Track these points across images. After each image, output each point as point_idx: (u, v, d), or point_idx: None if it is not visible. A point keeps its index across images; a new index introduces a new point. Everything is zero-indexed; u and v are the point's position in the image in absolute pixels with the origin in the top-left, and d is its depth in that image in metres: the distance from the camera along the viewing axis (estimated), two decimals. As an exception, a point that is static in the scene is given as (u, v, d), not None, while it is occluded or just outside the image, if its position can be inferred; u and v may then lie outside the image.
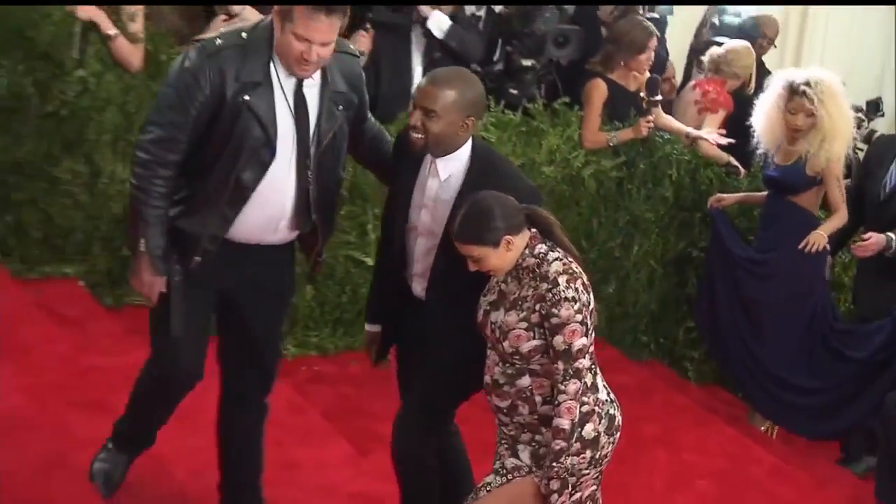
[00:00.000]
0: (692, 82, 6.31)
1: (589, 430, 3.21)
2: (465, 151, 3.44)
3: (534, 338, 3.19)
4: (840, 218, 5.26)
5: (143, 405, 3.70)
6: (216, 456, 3.88)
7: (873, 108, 6.74)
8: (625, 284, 5.94)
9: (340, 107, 3.49)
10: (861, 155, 5.86)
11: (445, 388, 3.53)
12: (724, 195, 5.62)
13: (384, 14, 5.58)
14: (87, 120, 4.95)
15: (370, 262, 5.30)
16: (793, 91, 5.14)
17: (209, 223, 3.43)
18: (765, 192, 5.42)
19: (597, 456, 3.26)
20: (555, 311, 3.14)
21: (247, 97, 3.35)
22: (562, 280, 3.15)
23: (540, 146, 5.63)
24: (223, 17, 5.25)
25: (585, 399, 3.19)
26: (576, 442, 3.19)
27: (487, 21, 6.25)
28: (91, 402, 4.11)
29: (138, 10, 5.06)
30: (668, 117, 5.93)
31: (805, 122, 5.13)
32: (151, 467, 3.83)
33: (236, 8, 5.18)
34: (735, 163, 5.89)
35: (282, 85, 3.39)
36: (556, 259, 3.21)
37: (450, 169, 3.44)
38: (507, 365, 3.26)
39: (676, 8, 6.89)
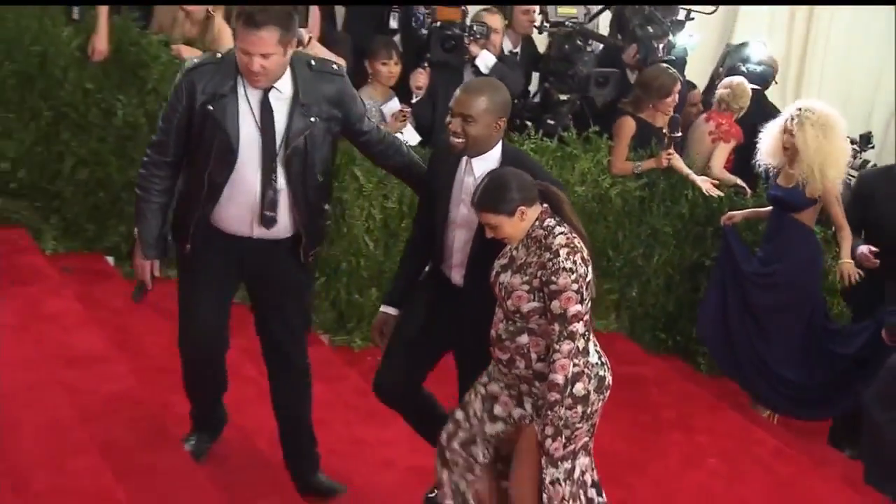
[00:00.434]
0: (704, 115, 6.32)
1: (579, 388, 3.18)
2: (496, 151, 3.47)
3: (533, 300, 3.19)
4: (847, 237, 5.27)
5: (189, 385, 3.75)
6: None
7: (865, 140, 6.69)
8: (646, 289, 5.94)
9: (313, 118, 3.45)
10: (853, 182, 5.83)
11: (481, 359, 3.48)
12: (735, 213, 5.62)
13: (439, 55, 5.64)
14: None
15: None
16: (788, 117, 5.18)
17: (194, 215, 3.50)
18: (769, 208, 5.42)
19: (588, 411, 3.23)
20: (554, 278, 3.14)
21: (211, 107, 3.38)
22: (563, 252, 3.15)
23: (573, 169, 5.66)
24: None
25: (577, 361, 3.16)
26: (568, 398, 3.16)
27: (523, 56, 6.30)
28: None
29: None
30: (678, 159, 5.90)
31: (788, 141, 5.14)
32: (237, 438, 3.90)
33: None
34: (742, 184, 5.90)
35: (248, 97, 3.40)
36: (561, 233, 3.21)
37: (484, 167, 3.43)
38: (510, 322, 3.26)
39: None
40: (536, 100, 6.21)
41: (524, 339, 3.24)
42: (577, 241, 3.21)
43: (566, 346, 3.14)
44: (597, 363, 3.27)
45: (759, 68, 6.81)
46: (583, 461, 3.33)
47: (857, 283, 5.26)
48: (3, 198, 4.98)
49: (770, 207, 5.40)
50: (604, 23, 6.75)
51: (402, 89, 5.77)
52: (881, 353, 4.98)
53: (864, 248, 5.24)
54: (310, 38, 5.25)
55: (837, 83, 8.76)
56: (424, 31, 5.92)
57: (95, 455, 3.41)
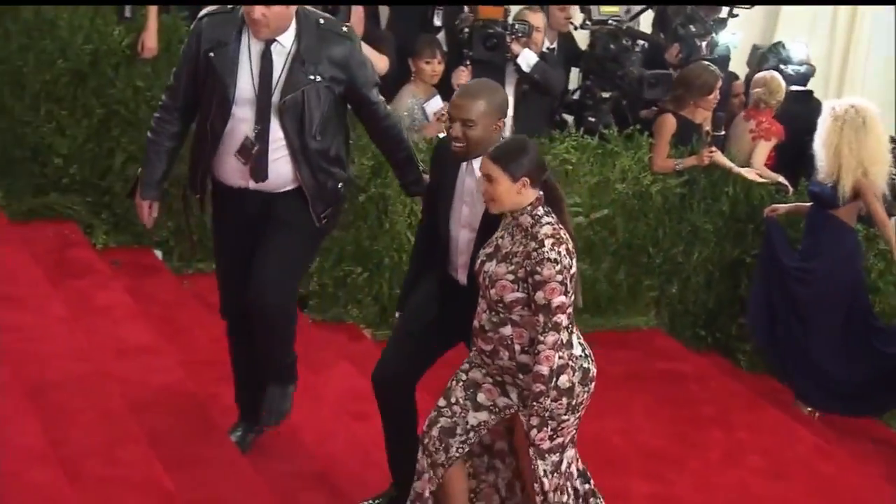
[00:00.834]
0: (743, 113, 6.26)
1: (564, 380, 3.11)
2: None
3: (517, 290, 3.12)
4: (891, 234, 5.20)
5: (232, 356, 3.75)
6: (341, 423, 3.94)
7: None
8: (686, 285, 5.90)
9: (312, 76, 3.40)
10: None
11: None
12: (778, 205, 5.57)
13: (481, 53, 5.63)
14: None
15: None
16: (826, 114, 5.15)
17: (201, 166, 3.51)
18: (810, 203, 5.37)
19: (573, 403, 3.16)
20: (538, 269, 3.07)
21: (212, 54, 3.38)
22: (548, 242, 3.08)
23: (614, 166, 5.64)
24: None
25: (561, 353, 3.09)
26: (553, 390, 3.10)
27: (560, 53, 6.26)
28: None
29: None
30: (720, 155, 5.85)
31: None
32: (282, 430, 3.89)
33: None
34: (784, 181, 5.84)
35: (249, 47, 3.38)
36: (548, 224, 3.14)
37: (466, 161, 3.38)
38: (493, 313, 3.18)
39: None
40: (575, 97, 6.18)
41: (507, 330, 3.17)
42: (563, 233, 3.13)
43: (551, 337, 3.07)
44: (580, 355, 3.19)
45: (801, 68, 6.75)
46: (569, 453, 3.26)
47: None
48: (55, 193, 5.04)
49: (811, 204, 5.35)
50: (645, 21, 6.70)
51: (444, 87, 5.77)
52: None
53: None
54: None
55: (880, 83, 8.64)
56: (466, 30, 5.91)
57: (145, 445, 3.44)
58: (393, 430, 3.59)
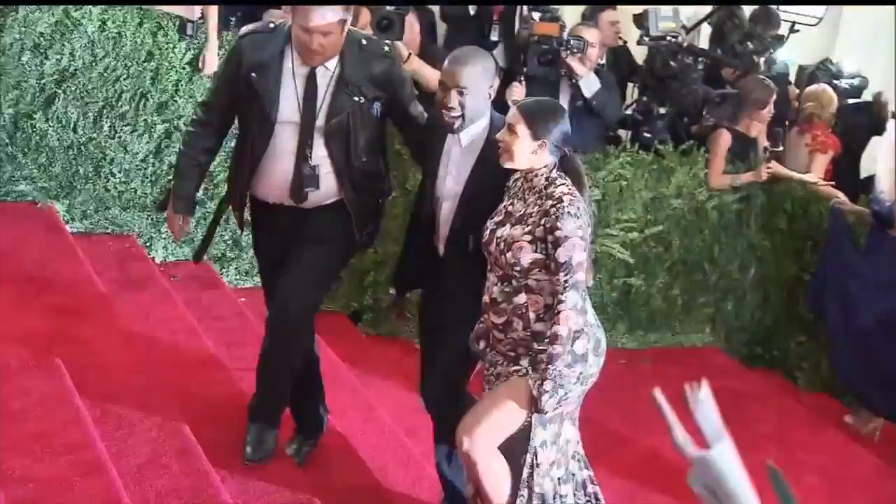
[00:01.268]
0: (797, 127, 6.19)
1: (580, 346, 3.04)
2: (485, 119, 3.33)
3: (535, 251, 3.03)
4: None
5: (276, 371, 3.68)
6: (393, 437, 3.94)
7: None
8: (742, 303, 5.83)
9: (357, 97, 3.38)
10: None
11: (465, 334, 3.34)
12: (845, 202, 5.48)
13: (536, 69, 5.62)
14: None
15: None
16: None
17: (241, 183, 3.51)
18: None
19: (584, 373, 3.07)
20: (559, 224, 2.98)
21: (254, 75, 3.35)
22: (566, 199, 3.02)
23: (669, 182, 5.60)
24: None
25: (578, 318, 3.00)
26: (567, 355, 3.00)
27: (611, 68, 6.22)
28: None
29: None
30: (779, 166, 5.78)
31: None
32: (336, 444, 3.91)
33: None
34: (845, 199, 5.75)
35: (293, 70, 3.36)
36: (563, 184, 3.08)
37: (471, 135, 3.33)
38: (506, 283, 3.11)
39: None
40: (629, 111, 6.15)
41: (521, 298, 3.08)
42: (578, 193, 3.07)
43: (571, 295, 2.97)
44: (594, 324, 3.13)
45: (854, 80, 6.65)
46: (567, 428, 3.17)
47: None
48: (117, 208, 5.11)
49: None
50: (699, 35, 6.66)
51: (499, 104, 5.76)
52: None
53: None
54: (409, 54, 5.28)
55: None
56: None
57: (202, 457, 3.47)
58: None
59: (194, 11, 5.04)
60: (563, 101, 5.76)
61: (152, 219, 5.19)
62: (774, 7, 6.47)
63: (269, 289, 3.69)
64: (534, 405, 3.04)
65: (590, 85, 5.66)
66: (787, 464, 4.78)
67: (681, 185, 5.61)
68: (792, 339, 5.80)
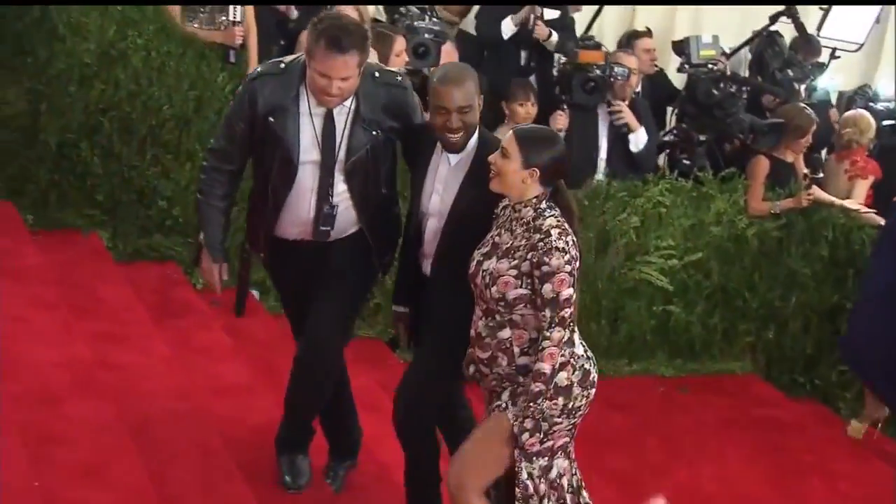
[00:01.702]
0: (835, 154, 6.15)
1: (562, 377, 2.95)
2: (473, 137, 3.28)
3: (521, 286, 2.98)
4: None
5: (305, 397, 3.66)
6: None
7: None
8: (783, 330, 5.77)
9: (374, 131, 3.36)
10: None
11: (448, 358, 3.29)
12: None
13: (581, 97, 5.63)
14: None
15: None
16: None
17: (263, 225, 3.48)
18: None
19: (570, 406, 2.99)
20: (546, 259, 2.92)
21: (272, 118, 3.31)
22: (554, 232, 2.95)
23: (709, 209, 5.57)
24: None
25: (562, 351, 2.94)
26: (551, 388, 2.94)
27: (644, 96, 6.23)
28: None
29: None
30: (821, 191, 5.75)
31: None
32: (374, 472, 3.90)
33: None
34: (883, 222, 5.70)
35: (311, 111, 3.32)
36: (552, 216, 3.01)
37: (459, 154, 3.28)
38: (490, 318, 3.06)
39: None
40: (667, 138, 6.14)
41: (506, 333, 3.04)
42: (567, 226, 3.01)
43: (557, 333, 2.93)
44: (582, 355, 3.04)
45: (891, 104, 6.60)
46: (561, 463, 3.10)
47: None
48: (159, 234, 5.18)
49: None
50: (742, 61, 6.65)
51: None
52: None
53: None
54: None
55: None
56: (555, 72, 5.93)
57: (242, 483, 3.49)
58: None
59: (236, 38, 5.12)
60: (602, 128, 5.78)
61: (194, 245, 5.24)
62: (815, 34, 6.44)
63: (294, 321, 3.69)
64: (515, 442, 3.00)
65: (638, 140, 5.71)
66: (832, 496, 4.72)
67: (720, 212, 5.58)
68: (834, 368, 5.71)
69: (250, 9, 5.26)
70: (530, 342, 3.02)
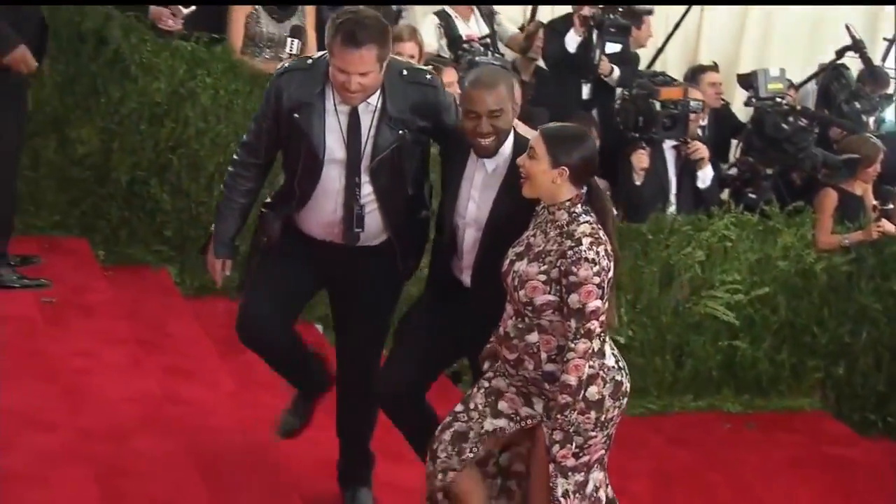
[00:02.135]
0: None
1: (593, 391, 2.89)
2: (508, 143, 3.20)
3: (549, 292, 2.89)
4: None
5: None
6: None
7: None
8: (853, 367, 5.65)
9: (401, 130, 3.27)
10: None
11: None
12: None
13: (662, 133, 5.62)
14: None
15: (622, 340, 5.27)
16: None
17: (281, 216, 3.41)
18: None
19: (602, 419, 2.93)
20: (574, 269, 2.84)
21: (296, 115, 3.26)
22: (585, 241, 2.87)
23: (775, 243, 5.51)
24: None
25: (592, 363, 2.88)
26: (581, 402, 2.87)
27: (710, 129, 6.19)
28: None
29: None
30: (891, 225, 5.66)
31: None
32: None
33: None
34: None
35: (336, 108, 3.26)
36: (587, 222, 2.92)
37: (495, 161, 3.20)
38: (519, 319, 2.98)
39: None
40: (732, 172, 6.10)
41: (534, 336, 2.96)
42: (602, 234, 2.92)
43: (582, 345, 2.85)
44: (613, 367, 2.97)
45: None
46: (597, 476, 3.02)
47: None
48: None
49: None
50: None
51: (602, 162, 5.78)
52: None
53: None
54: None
55: None
56: (616, 104, 5.93)
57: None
58: (415, 436, 3.43)
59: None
60: (670, 162, 5.77)
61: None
62: (881, 66, 6.37)
63: (257, 281, 3.52)
64: (548, 455, 2.95)
65: (706, 175, 5.69)
66: (905, 538, 4.60)
67: (788, 246, 5.51)
68: (908, 406, 5.61)
69: (312, 43, 5.34)
70: (558, 349, 2.94)
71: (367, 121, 3.28)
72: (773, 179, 5.84)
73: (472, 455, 3.09)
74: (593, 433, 2.95)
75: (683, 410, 5.44)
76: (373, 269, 3.42)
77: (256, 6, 5.26)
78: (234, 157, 3.53)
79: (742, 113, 6.45)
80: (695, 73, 6.23)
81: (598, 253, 2.88)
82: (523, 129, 5.26)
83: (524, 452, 3.15)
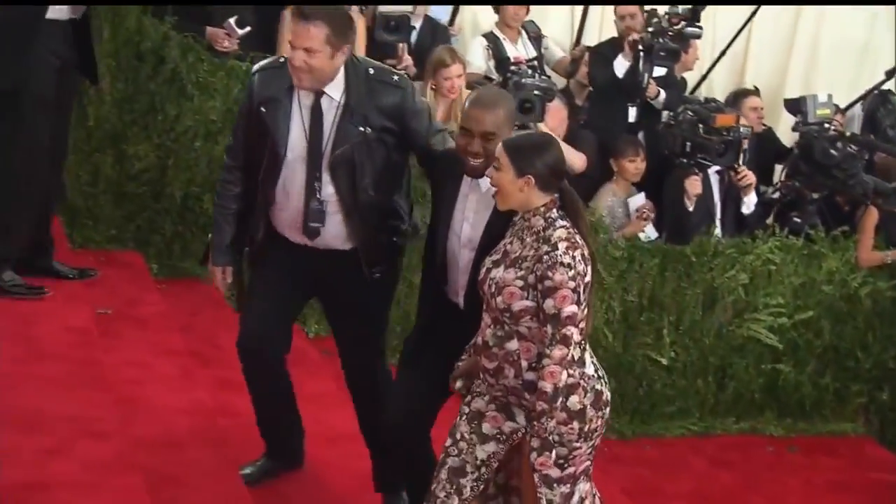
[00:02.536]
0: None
1: (574, 401, 2.83)
2: None
3: (526, 298, 2.84)
4: None
5: (252, 393, 3.62)
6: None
7: None
8: (898, 392, 5.60)
9: (362, 127, 3.23)
10: None
11: None
12: None
13: (717, 159, 5.61)
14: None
15: (665, 361, 5.28)
16: None
17: (261, 217, 3.40)
18: None
19: (586, 429, 2.87)
20: (549, 273, 2.79)
21: (263, 109, 3.25)
22: (561, 245, 2.82)
23: (820, 267, 5.46)
24: None
25: (571, 371, 2.82)
26: (562, 412, 2.82)
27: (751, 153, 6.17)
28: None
29: None
30: None
31: None
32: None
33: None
34: None
35: (300, 101, 3.25)
36: (562, 227, 2.88)
37: (487, 179, 3.10)
38: (498, 326, 2.92)
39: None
40: (775, 196, 6.06)
41: (513, 344, 2.90)
42: (578, 238, 2.87)
43: (558, 351, 2.80)
44: (593, 376, 2.91)
45: None
46: (583, 487, 2.96)
47: None
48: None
49: None
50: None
51: (647, 184, 5.80)
52: None
53: None
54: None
55: None
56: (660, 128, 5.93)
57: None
58: (412, 475, 3.40)
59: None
60: (715, 186, 5.76)
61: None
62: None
63: (255, 311, 3.51)
64: (530, 466, 2.89)
65: (750, 202, 5.67)
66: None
67: (832, 270, 5.45)
68: (951, 433, 5.52)
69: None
70: (538, 357, 2.88)
71: (330, 117, 3.26)
72: (817, 204, 5.78)
73: (472, 494, 3.04)
74: (577, 444, 2.89)
75: (725, 432, 5.40)
76: (349, 273, 3.38)
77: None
78: (224, 162, 3.54)
79: (785, 136, 6.42)
80: (736, 98, 6.21)
81: (573, 258, 2.83)
82: (570, 152, 5.33)
83: (516, 467, 3.10)
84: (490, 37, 6.13)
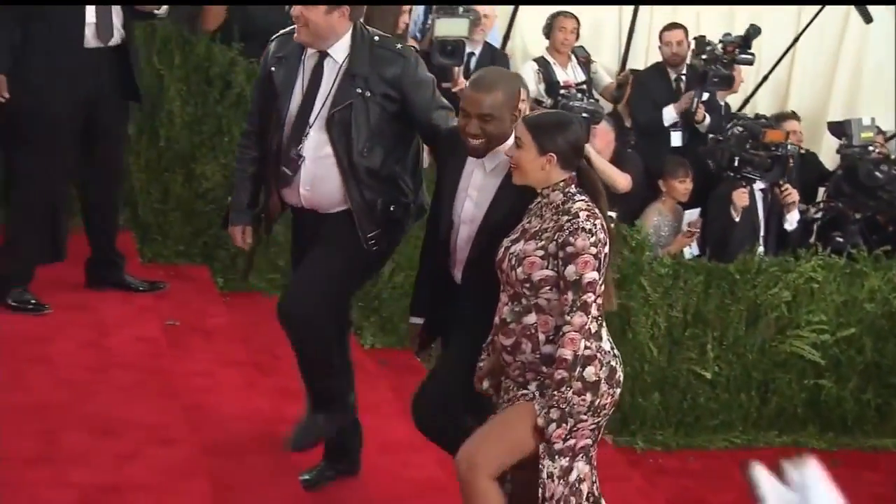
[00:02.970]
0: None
1: (590, 372, 2.77)
2: (509, 141, 3.04)
3: (546, 267, 2.79)
4: None
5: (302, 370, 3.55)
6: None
7: None
8: (943, 408, 5.49)
9: (360, 89, 3.21)
10: None
11: (475, 364, 3.09)
12: None
13: (764, 175, 5.58)
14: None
15: (709, 375, 5.23)
16: None
17: (267, 181, 3.41)
18: None
19: (596, 403, 2.80)
20: (571, 239, 2.76)
21: (273, 69, 3.29)
22: (582, 214, 2.80)
23: (862, 286, 5.38)
24: None
25: (589, 344, 2.76)
26: (577, 381, 2.75)
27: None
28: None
29: None
30: None
31: None
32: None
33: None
34: None
35: (304, 62, 3.28)
36: (582, 200, 2.85)
37: (495, 160, 3.08)
38: (516, 302, 2.86)
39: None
40: (817, 215, 6.00)
41: (531, 318, 2.84)
42: (597, 210, 2.84)
43: (578, 318, 2.75)
44: (609, 352, 2.86)
45: None
46: (581, 467, 2.87)
47: None
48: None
49: None
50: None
51: (689, 204, 5.77)
52: None
53: None
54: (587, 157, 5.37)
55: None
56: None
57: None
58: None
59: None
60: (759, 203, 5.73)
61: (363, 308, 5.41)
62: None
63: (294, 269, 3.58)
64: (540, 434, 2.81)
65: (792, 219, 5.64)
66: None
67: (874, 289, 5.38)
68: None
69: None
70: (556, 329, 2.83)
71: (331, 76, 3.28)
72: (859, 224, 5.72)
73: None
74: (584, 416, 2.82)
75: (768, 446, 5.33)
76: (331, 229, 3.35)
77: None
78: (243, 129, 3.59)
79: (827, 159, 6.35)
80: (777, 121, 6.17)
81: (595, 224, 2.80)
82: (614, 173, 5.33)
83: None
84: (541, 61, 6.17)
